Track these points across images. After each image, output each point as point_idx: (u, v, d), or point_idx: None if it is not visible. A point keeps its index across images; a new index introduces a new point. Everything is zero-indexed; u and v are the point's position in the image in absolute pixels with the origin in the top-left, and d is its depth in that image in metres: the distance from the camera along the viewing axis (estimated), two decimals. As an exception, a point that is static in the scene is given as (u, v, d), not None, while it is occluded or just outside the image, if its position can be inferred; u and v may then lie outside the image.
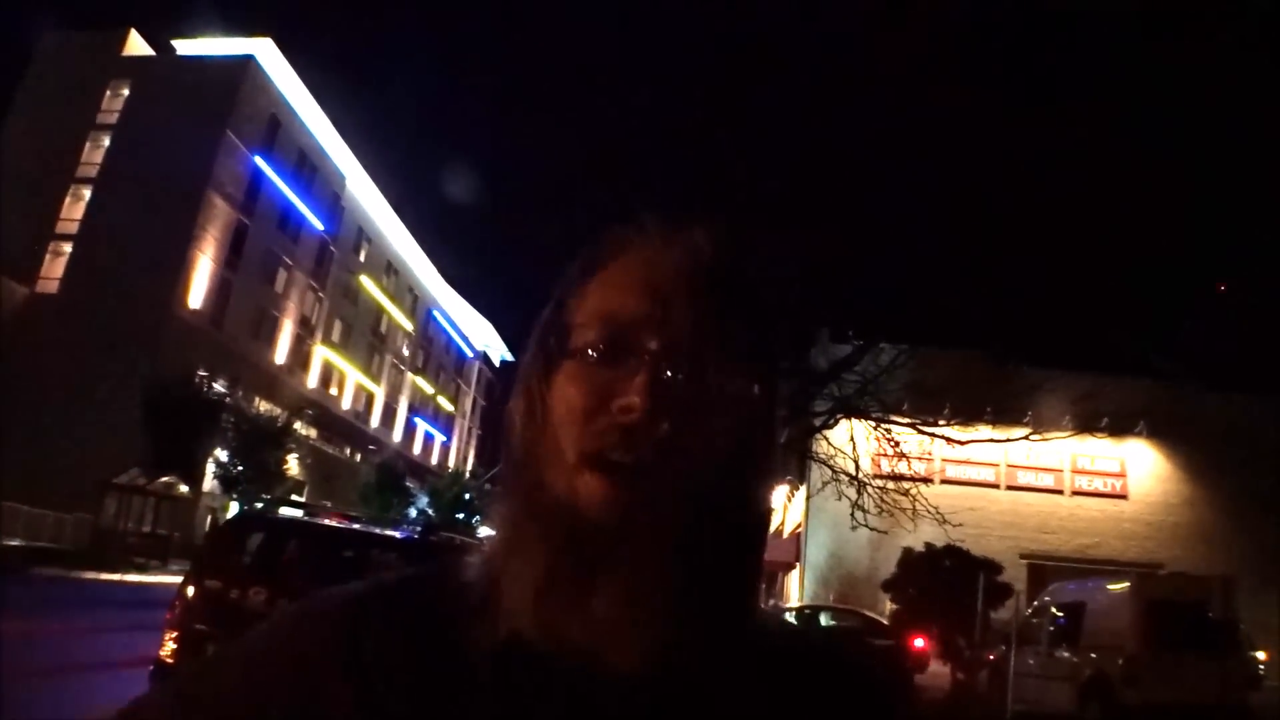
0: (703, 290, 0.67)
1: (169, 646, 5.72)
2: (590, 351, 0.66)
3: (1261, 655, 18.05)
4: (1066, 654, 15.18)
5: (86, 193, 42.71)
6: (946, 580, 17.66)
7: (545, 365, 0.68)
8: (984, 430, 19.38)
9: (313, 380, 54.11)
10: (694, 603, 0.65)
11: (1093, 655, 14.28)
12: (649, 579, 0.64)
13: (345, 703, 0.65)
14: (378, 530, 7.61)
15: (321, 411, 52.70)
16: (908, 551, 19.19)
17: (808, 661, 0.74)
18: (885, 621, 19.57)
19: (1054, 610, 16.33)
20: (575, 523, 0.63)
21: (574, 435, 0.64)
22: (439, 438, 77.56)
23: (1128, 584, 15.07)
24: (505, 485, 0.70)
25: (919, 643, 18.03)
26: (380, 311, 63.76)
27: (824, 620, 19.35)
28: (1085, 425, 22.58)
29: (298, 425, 38.29)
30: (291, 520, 7.24)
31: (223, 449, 33.76)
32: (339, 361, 57.33)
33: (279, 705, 0.67)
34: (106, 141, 43.57)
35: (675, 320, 0.65)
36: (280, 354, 50.44)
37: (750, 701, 0.68)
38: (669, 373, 0.63)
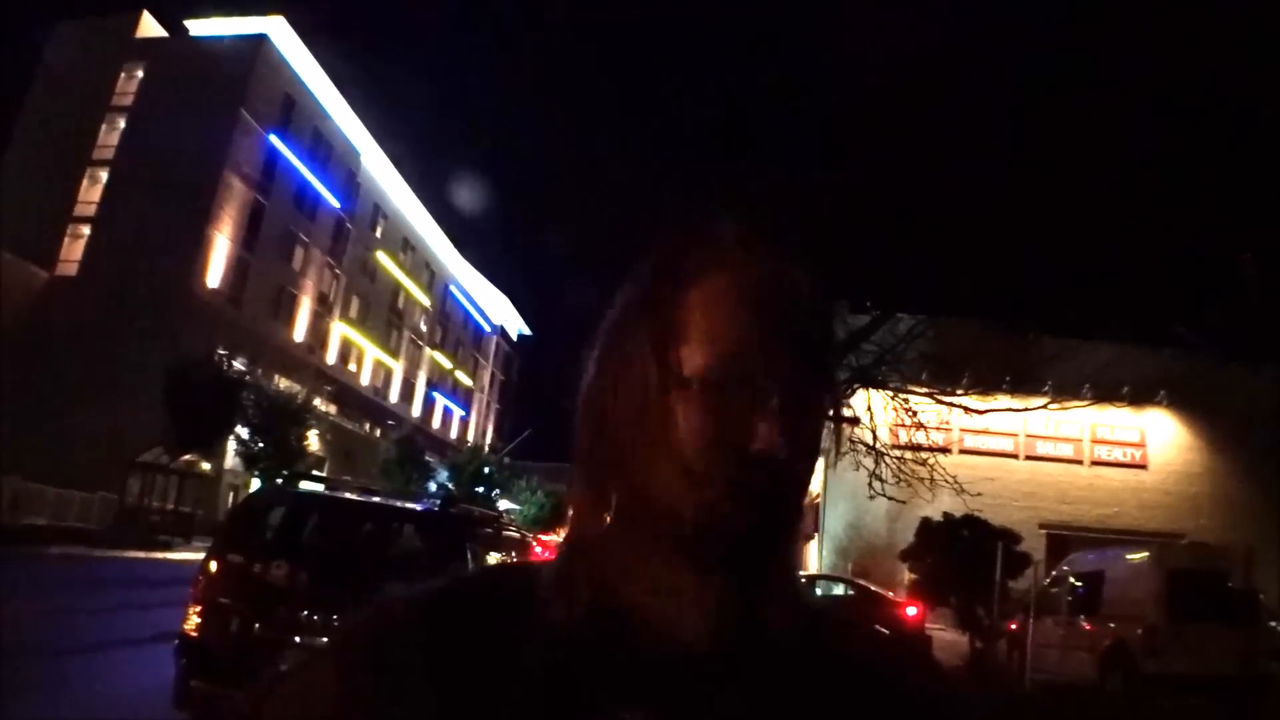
0: (804, 324, 0.72)
1: (193, 621, 5.79)
2: (712, 379, 0.69)
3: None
4: (1086, 623, 15.18)
5: (103, 175, 42.92)
6: (965, 550, 17.62)
7: (659, 376, 0.71)
8: (1003, 400, 19.26)
9: (332, 357, 54.39)
10: (762, 589, 0.73)
11: (1112, 625, 14.27)
12: (730, 576, 0.72)
13: (429, 702, 0.68)
14: (398, 503, 7.67)
15: (341, 388, 53.02)
16: (926, 521, 19.15)
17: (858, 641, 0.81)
18: (885, 593, 19.58)
19: (1073, 580, 16.31)
20: (691, 529, 0.69)
21: (700, 458, 0.69)
22: (458, 412, 77.88)
23: (1148, 553, 15.03)
24: (597, 482, 0.75)
25: (911, 610, 18.07)
26: (398, 287, 63.92)
27: (819, 590, 19.40)
28: (1105, 395, 22.43)
29: (317, 402, 38.58)
30: (313, 495, 7.29)
31: (244, 427, 34.01)
32: (357, 338, 57.57)
33: (365, 708, 0.69)
34: (122, 124, 43.73)
35: (787, 354, 0.70)
36: (299, 331, 50.69)
37: (814, 676, 0.74)
38: (784, 404, 0.69)
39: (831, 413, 0.76)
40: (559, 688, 0.68)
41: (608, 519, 0.74)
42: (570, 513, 0.76)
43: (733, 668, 0.70)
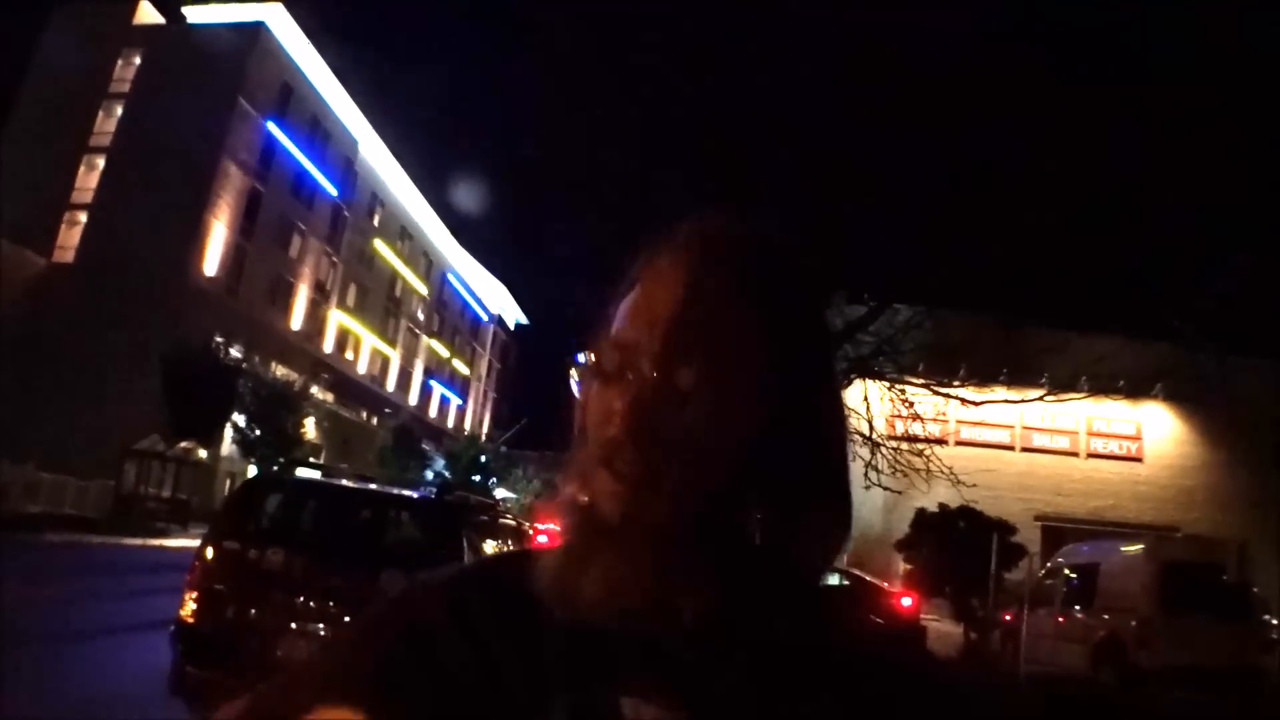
0: (690, 322, 0.71)
1: (189, 607, 5.80)
2: (595, 369, 0.74)
3: (1276, 620, 18.07)
4: (1080, 615, 15.24)
5: (100, 162, 42.80)
6: (960, 541, 17.71)
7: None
8: (999, 391, 19.28)
9: (329, 345, 54.36)
10: (740, 569, 0.74)
11: (1106, 617, 14.33)
12: (725, 561, 0.73)
13: (467, 663, 0.71)
14: (394, 491, 7.67)
15: (337, 376, 53.01)
16: (921, 512, 19.22)
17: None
18: (881, 583, 19.62)
19: (1068, 572, 16.37)
20: (594, 513, 0.72)
21: (592, 444, 0.73)
22: (455, 401, 77.90)
23: (1142, 546, 15.09)
24: (575, 476, 0.76)
25: (906, 601, 18.10)
26: (395, 276, 63.85)
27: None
28: (1102, 387, 22.47)
29: (314, 390, 38.57)
30: (309, 482, 7.30)
31: (240, 414, 34.02)
32: (355, 326, 57.54)
33: (401, 669, 0.72)
34: (119, 111, 43.60)
35: (657, 346, 0.71)
36: (296, 319, 50.64)
37: (803, 646, 0.76)
38: (644, 392, 0.70)
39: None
40: (563, 674, 0.70)
41: (591, 510, 0.75)
42: (561, 503, 0.78)
43: (728, 652, 0.72)
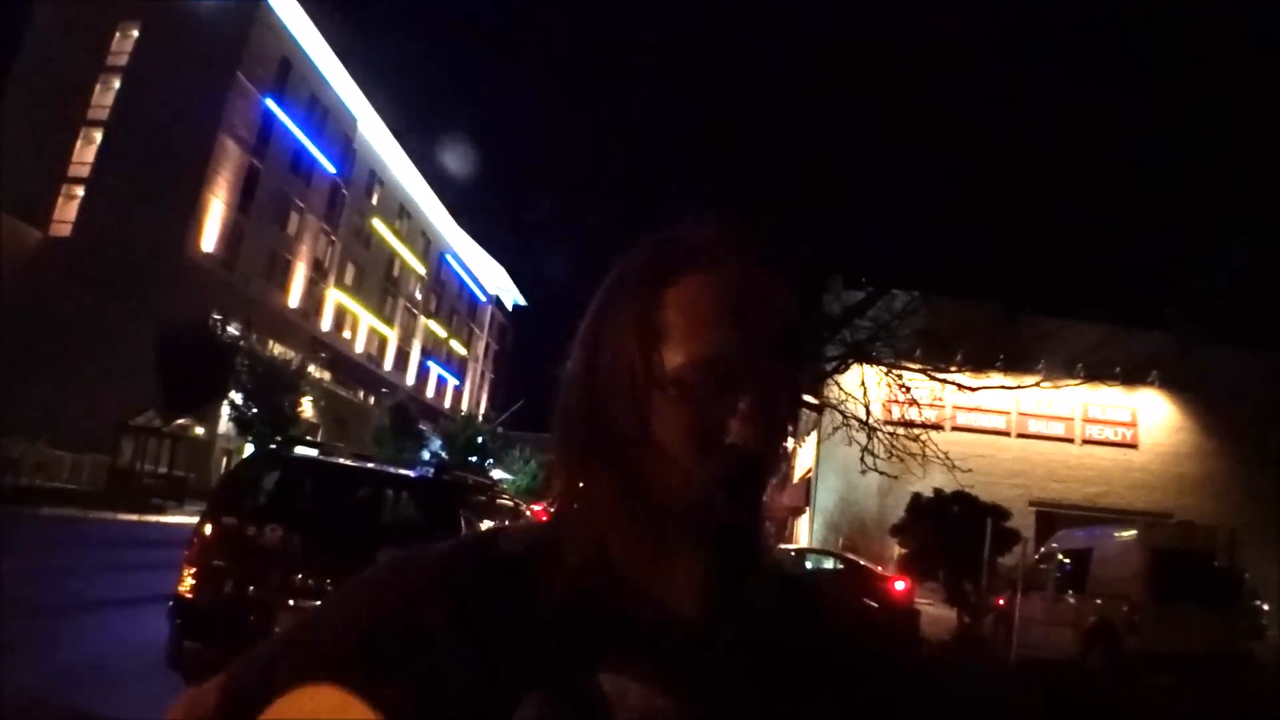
0: (777, 327, 0.77)
1: (188, 582, 5.84)
2: (689, 381, 0.75)
3: (1265, 606, 18.17)
4: (1072, 600, 15.33)
5: (98, 136, 42.55)
6: (954, 526, 17.77)
7: (643, 373, 0.76)
8: (996, 377, 19.34)
9: (326, 323, 54.29)
10: (743, 563, 0.79)
11: (1098, 602, 14.41)
12: (712, 550, 0.78)
13: (456, 638, 0.71)
14: (392, 470, 7.70)
15: (334, 355, 52.95)
16: (916, 497, 19.29)
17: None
18: (875, 567, 19.70)
19: (1061, 557, 16.45)
20: (676, 513, 0.76)
21: (680, 451, 0.75)
22: (452, 381, 77.88)
23: (1135, 532, 15.15)
24: (580, 459, 0.80)
25: (899, 585, 18.17)
26: (393, 255, 63.70)
27: (809, 564, 19.45)
28: (1097, 374, 22.53)
29: (311, 368, 38.52)
30: (307, 459, 7.32)
31: (237, 392, 33.99)
32: (352, 305, 57.45)
33: (388, 638, 0.71)
34: (117, 84, 43.28)
35: (759, 357, 0.76)
36: (293, 297, 50.55)
37: (801, 640, 0.80)
38: (755, 404, 0.74)
39: (811, 399, 0.83)
40: (550, 651, 0.71)
41: (595, 492, 0.78)
42: (556, 483, 0.80)
43: (716, 634, 0.74)
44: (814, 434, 25.75)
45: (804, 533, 30.61)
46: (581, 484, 0.79)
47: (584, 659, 0.70)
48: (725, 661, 0.74)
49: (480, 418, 60.69)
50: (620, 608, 0.74)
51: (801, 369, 0.82)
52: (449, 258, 75.15)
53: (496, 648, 0.71)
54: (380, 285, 62.05)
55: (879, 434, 15.56)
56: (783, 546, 25.15)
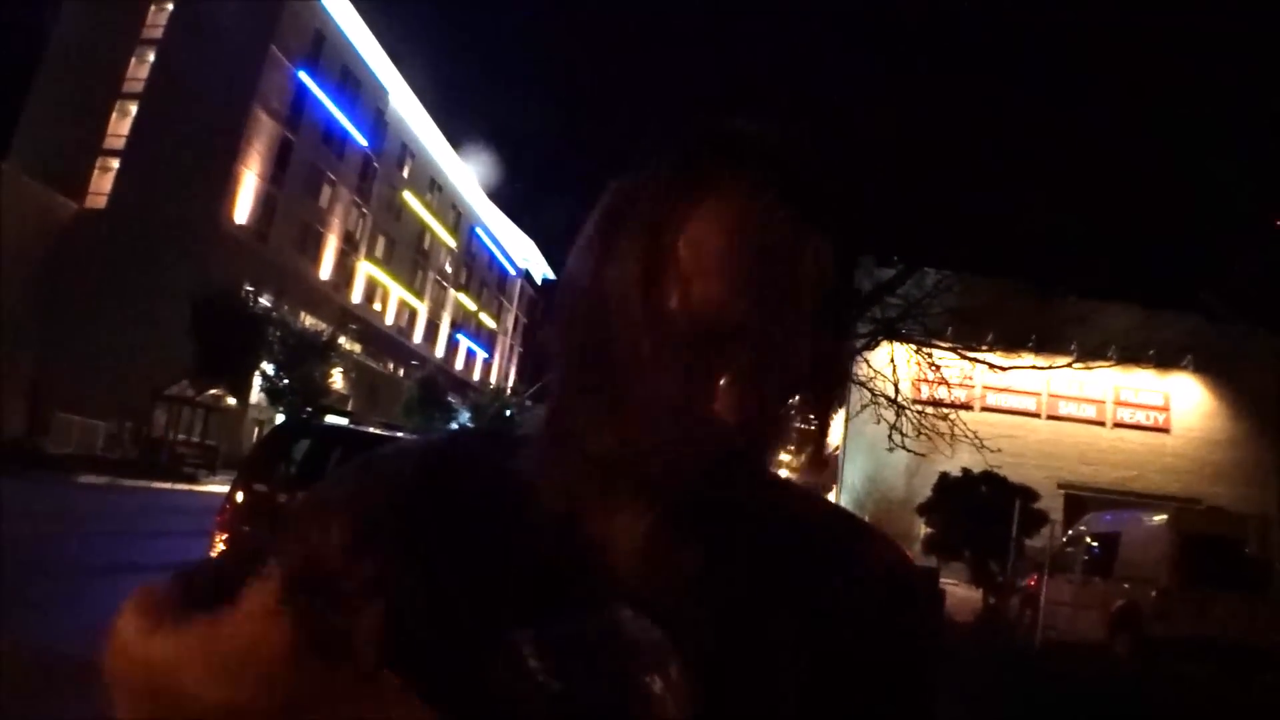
0: (798, 288, 0.67)
1: (219, 548, 5.93)
2: (685, 328, 0.65)
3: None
4: (1099, 584, 15.22)
5: (133, 108, 42.89)
6: (982, 506, 17.69)
7: (641, 306, 0.66)
8: (1027, 358, 19.18)
9: (357, 296, 54.62)
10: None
11: (1125, 586, 14.30)
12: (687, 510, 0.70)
13: (403, 572, 0.64)
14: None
15: (365, 327, 53.31)
16: (944, 476, 19.20)
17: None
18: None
19: (1089, 540, 16.33)
20: (646, 468, 0.67)
21: (662, 403, 0.66)
22: (481, 354, 78.21)
23: (1164, 516, 15.00)
24: (575, 380, 0.71)
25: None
26: (423, 228, 63.90)
27: None
28: (1130, 357, 22.30)
29: (342, 340, 38.80)
30: (335, 428, 7.41)
31: (269, 362, 34.31)
32: (382, 277, 57.73)
33: (374, 532, 0.65)
34: (151, 57, 43.59)
35: (768, 316, 0.65)
36: (325, 269, 50.87)
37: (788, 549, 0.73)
38: (752, 369, 0.65)
39: (834, 369, 0.74)
40: (542, 562, 0.69)
41: (588, 410, 0.69)
42: (551, 399, 0.74)
43: (697, 524, 0.69)
44: (841, 411, 25.69)
45: (830, 511, 30.50)
46: (574, 404, 0.71)
47: (569, 595, 0.68)
48: (702, 556, 0.69)
49: (508, 391, 60.95)
50: (599, 541, 0.70)
51: (831, 338, 0.70)
52: (479, 231, 75.28)
53: (477, 558, 0.69)
54: (411, 258, 62.28)
55: (907, 412, 15.50)
56: None
